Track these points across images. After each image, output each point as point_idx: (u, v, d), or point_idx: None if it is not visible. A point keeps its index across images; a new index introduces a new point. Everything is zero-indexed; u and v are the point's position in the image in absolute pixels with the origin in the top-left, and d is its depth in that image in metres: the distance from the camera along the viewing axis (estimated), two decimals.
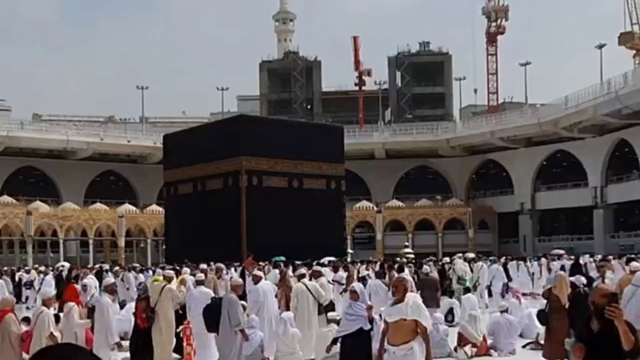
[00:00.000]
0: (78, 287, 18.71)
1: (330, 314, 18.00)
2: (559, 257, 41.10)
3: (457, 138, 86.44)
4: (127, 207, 79.78)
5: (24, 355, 12.51)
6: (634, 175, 72.34)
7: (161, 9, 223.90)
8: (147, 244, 79.54)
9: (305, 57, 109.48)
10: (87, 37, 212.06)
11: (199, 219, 53.48)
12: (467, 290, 24.49)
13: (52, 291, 17.98)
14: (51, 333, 12.96)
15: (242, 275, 28.18)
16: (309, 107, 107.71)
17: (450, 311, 23.71)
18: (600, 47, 79.49)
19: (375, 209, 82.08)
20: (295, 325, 16.09)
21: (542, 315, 15.07)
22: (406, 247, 62.47)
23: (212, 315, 14.64)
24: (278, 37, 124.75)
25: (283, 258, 38.67)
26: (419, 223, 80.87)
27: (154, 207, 79.10)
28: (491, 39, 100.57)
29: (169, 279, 18.48)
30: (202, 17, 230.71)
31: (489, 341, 18.34)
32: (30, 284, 36.54)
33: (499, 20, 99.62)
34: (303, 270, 21.14)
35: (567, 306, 14.19)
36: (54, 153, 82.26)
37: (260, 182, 53.13)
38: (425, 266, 31.04)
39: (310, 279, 18.90)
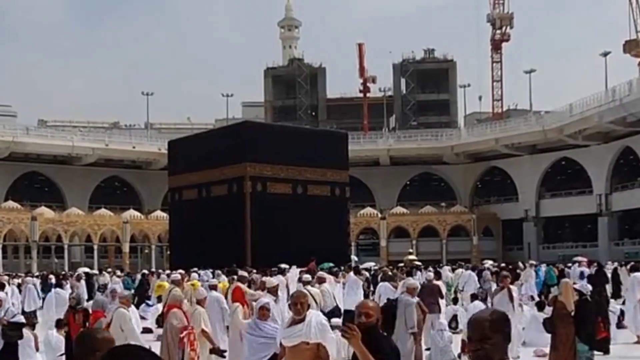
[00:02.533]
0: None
1: (334, 320, 17.97)
2: (579, 263, 41.21)
3: (462, 145, 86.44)
4: (131, 212, 79.88)
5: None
6: (639, 182, 72.31)
7: (167, 15, 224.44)
8: (152, 250, 79.57)
9: (310, 63, 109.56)
10: (92, 43, 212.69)
11: (204, 224, 53.38)
12: (474, 297, 24.52)
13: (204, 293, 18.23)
14: (202, 329, 13.92)
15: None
16: (313, 113, 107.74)
17: (454, 318, 23.76)
18: (605, 54, 79.48)
19: (380, 215, 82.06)
20: None
21: (548, 323, 15.08)
22: (410, 253, 62.49)
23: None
24: (283, 43, 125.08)
25: (331, 264, 38.88)
26: (423, 230, 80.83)
27: (159, 212, 79.17)
28: (496, 46, 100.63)
29: (177, 283, 18.63)
30: (208, 23, 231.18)
31: None
32: (104, 287, 36.64)
33: (503, 28, 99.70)
34: (307, 276, 21.24)
35: (573, 313, 14.21)
36: (58, 158, 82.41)
37: (264, 188, 53.05)
38: (428, 272, 31.07)
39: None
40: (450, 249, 79.23)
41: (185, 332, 17.85)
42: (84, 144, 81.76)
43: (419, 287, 17.33)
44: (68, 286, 31.44)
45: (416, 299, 14.65)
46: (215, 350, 14.49)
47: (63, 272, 47.28)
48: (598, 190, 76.18)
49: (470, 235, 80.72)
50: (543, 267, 42.30)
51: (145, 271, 46.60)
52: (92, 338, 4.86)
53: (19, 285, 31.85)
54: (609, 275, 36.70)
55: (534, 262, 43.81)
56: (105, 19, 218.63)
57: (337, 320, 18.67)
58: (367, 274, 36.73)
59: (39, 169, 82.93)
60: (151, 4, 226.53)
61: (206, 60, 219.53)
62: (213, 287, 18.78)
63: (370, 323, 6.50)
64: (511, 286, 17.11)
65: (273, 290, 15.58)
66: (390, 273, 31.45)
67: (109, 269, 52.17)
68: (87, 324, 15.27)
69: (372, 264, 53.93)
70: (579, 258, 45.23)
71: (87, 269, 51.67)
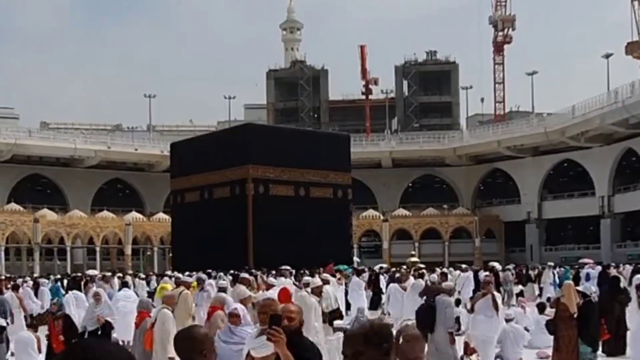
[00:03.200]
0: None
1: (337, 323, 17.99)
2: (584, 265, 41.30)
3: (464, 147, 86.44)
4: (134, 215, 79.90)
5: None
6: None
7: (168, 18, 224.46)
8: (154, 252, 79.60)
9: (312, 65, 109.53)
10: (94, 45, 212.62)
11: (206, 226, 53.42)
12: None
13: (247, 292, 18.36)
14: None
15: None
16: (315, 115, 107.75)
17: (457, 320, 23.74)
18: (607, 56, 79.53)
19: (382, 217, 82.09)
20: None
21: (550, 325, 15.09)
22: (412, 255, 62.42)
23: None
24: (285, 46, 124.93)
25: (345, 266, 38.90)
26: (426, 232, 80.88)
27: (161, 215, 79.20)
28: (498, 48, 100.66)
29: (187, 286, 18.74)
30: (209, 26, 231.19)
31: (496, 350, 18.35)
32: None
33: (505, 30, 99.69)
34: (309, 278, 21.25)
35: (575, 315, 14.22)
36: (61, 161, 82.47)
37: (267, 190, 53.09)
38: (433, 275, 31.16)
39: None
40: (452, 251, 79.23)
41: None
42: (86, 146, 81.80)
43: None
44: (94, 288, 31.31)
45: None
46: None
47: (81, 274, 47.13)
48: (600, 192, 76.16)
49: (472, 237, 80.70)
50: (556, 269, 42.29)
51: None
52: (193, 337, 4.92)
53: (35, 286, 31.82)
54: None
55: (552, 264, 43.71)
56: (107, 22, 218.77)
57: (339, 322, 18.72)
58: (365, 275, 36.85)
59: (41, 171, 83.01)
60: (153, 7, 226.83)
61: (208, 62, 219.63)
62: (222, 290, 18.80)
63: (293, 326, 6.47)
64: (495, 292, 16.76)
65: (317, 291, 15.66)
66: (398, 274, 31.57)
67: (130, 272, 51.98)
68: (69, 330, 15.25)
69: (384, 265, 53.70)
70: (585, 260, 45.32)
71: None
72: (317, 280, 17.21)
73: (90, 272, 38.73)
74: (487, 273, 31.93)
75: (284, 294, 16.44)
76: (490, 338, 16.34)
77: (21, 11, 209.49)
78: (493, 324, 16.08)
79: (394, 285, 23.71)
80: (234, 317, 10.12)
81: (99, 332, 15.72)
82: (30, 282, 34.56)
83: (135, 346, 13.63)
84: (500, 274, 35.40)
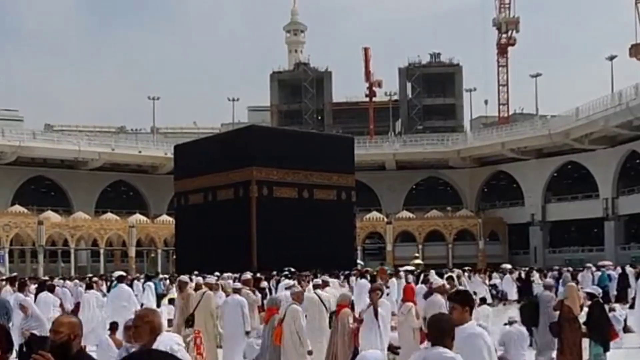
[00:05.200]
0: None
1: None
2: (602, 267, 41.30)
3: (468, 149, 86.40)
4: (137, 217, 79.95)
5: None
6: None
7: (172, 21, 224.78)
8: (158, 254, 79.57)
9: (315, 68, 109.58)
10: (98, 47, 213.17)
11: (210, 229, 53.43)
12: (482, 300, 24.57)
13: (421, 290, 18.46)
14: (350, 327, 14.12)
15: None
16: (319, 117, 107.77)
17: None
18: (611, 58, 79.41)
19: (386, 219, 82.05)
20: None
21: (554, 327, 15.09)
22: (416, 258, 62.49)
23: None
24: (289, 48, 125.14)
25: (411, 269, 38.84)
26: (429, 234, 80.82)
27: (165, 217, 79.22)
28: (502, 50, 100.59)
29: (209, 287, 18.83)
30: (213, 28, 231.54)
31: (499, 352, 18.33)
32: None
33: (509, 32, 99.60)
34: (318, 280, 21.36)
35: (579, 317, 14.23)
36: (65, 163, 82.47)
37: (270, 192, 53.11)
38: (436, 277, 31.11)
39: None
40: (456, 253, 79.13)
41: (191, 336, 17.95)
42: (90, 148, 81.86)
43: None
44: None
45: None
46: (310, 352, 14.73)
47: (101, 274, 47.15)
48: (604, 195, 76.07)
49: (476, 239, 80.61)
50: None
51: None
52: None
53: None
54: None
55: (590, 265, 43.63)
56: (111, 24, 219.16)
57: None
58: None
59: (45, 173, 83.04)
60: (157, 9, 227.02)
61: (212, 64, 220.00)
62: (237, 291, 18.83)
63: (60, 340, 6.26)
64: (383, 300, 16.23)
65: (299, 297, 15.73)
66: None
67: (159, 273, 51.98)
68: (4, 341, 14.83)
69: (411, 267, 53.39)
70: (605, 262, 45.31)
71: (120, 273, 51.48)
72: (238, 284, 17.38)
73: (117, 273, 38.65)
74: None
75: (409, 291, 16.79)
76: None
77: (25, 14, 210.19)
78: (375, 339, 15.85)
79: (421, 286, 23.92)
80: (130, 332, 9.57)
81: (24, 349, 14.14)
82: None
83: (264, 341, 14.17)
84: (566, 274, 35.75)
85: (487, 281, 40.05)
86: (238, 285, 20.27)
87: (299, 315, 13.98)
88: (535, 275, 39.00)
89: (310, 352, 13.98)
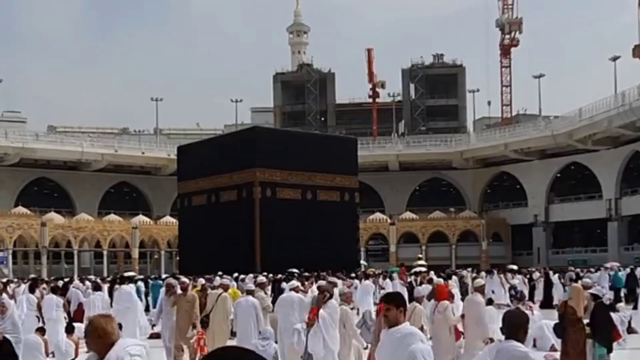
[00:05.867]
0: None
1: None
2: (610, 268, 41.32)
3: (471, 150, 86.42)
4: (140, 218, 79.98)
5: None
6: None
7: (175, 21, 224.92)
8: (161, 255, 79.68)
9: (319, 69, 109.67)
10: (101, 49, 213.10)
11: (213, 230, 53.42)
12: (489, 302, 24.63)
13: (425, 290, 18.57)
14: (422, 326, 14.56)
15: None
16: (322, 119, 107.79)
17: None
18: (615, 59, 79.31)
19: (389, 221, 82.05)
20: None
21: (558, 328, 15.08)
22: (420, 259, 62.38)
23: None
24: (292, 49, 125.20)
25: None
26: (433, 235, 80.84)
27: (168, 218, 79.28)
28: (505, 51, 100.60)
29: (225, 288, 18.88)
30: (216, 29, 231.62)
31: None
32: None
33: (512, 33, 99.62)
34: (323, 282, 21.35)
35: (582, 318, 14.21)
36: (68, 164, 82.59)
37: (274, 193, 53.08)
38: (439, 279, 31.11)
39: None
40: (459, 254, 79.21)
41: (195, 338, 17.97)
42: (94, 149, 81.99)
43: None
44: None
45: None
46: None
47: (123, 275, 47.11)
48: (608, 195, 76.04)
49: (479, 240, 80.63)
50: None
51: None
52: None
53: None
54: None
55: (607, 265, 43.55)
56: (115, 26, 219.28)
57: None
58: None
59: (48, 174, 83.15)
60: (160, 10, 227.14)
61: (215, 65, 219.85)
62: (250, 292, 18.85)
63: None
64: (332, 301, 16.39)
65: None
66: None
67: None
68: None
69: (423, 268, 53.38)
70: (613, 263, 45.30)
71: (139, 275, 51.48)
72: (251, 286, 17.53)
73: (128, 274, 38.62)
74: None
75: (443, 290, 16.99)
76: None
77: (28, 15, 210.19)
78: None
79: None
80: None
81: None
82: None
83: (308, 343, 14.21)
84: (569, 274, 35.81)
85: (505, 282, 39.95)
86: (252, 287, 20.29)
87: (349, 316, 14.26)
88: (554, 277, 38.87)
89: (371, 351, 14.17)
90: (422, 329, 14.40)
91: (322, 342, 14.53)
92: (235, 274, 32.02)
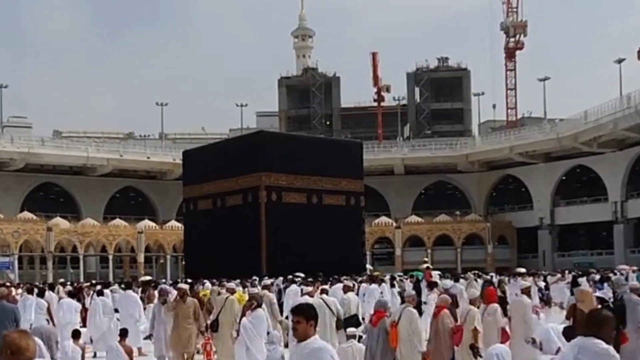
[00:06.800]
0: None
1: (350, 330, 17.97)
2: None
3: (476, 153, 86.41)
4: (146, 223, 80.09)
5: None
6: None
7: (180, 27, 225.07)
8: (167, 260, 79.71)
9: (324, 73, 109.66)
10: (106, 54, 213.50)
11: (219, 234, 53.38)
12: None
13: (477, 292, 18.73)
14: (475, 328, 14.69)
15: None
16: (327, 123, 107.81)
17: None
18: (620, 61, 79.21)
19: (395, 224, 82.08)
20: None
21: (568, 332, 15.07)
22: (425, 262, 62.30)
23: None
24: (297, 53, 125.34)
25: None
26: (438, 238, 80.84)
27: (173, 223, 79.32)
28: (510, 54, 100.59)
29: (231, 292, 18.92)
30: (221, 33, 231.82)
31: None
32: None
33: (517, 36, 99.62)
34: (326, 286, 21.40)
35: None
36: (74, 169, 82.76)
37: (279, 198, 52.98)
38: (445, 281, 31.07)
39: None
40: (464, 257, 79.18)
41: (202, 343, 17.99)
42: (99, 154, 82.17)
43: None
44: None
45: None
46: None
47: (131, 280, 47.11)
48: (613, 198, 75.95)
49: (485, 243, 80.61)
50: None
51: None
52: None
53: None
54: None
55: (625, 267, 43.39)
56: (120, 31, 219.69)
57: (353, 330, 18.70)
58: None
59: (54, 179, 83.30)
60: (165, 15, 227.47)
61: (220, 70, 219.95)
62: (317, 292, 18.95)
63: None
64: (260, 310, 16.28)
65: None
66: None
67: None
68: None
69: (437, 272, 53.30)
70: (624, 266, 45.17)
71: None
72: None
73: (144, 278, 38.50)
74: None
75: (492, 293, 17.19)
76: None
77: (33, 20, 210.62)
78: None
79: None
80: None
81: None
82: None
83: (371, 344, 14.27)
84: (613, 277, 35.59)
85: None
86: (257, 290, 20.36)
87: (414, 318, 14.32)
88: (583, 280, 38.63)
89: (424, 354, 14.18)
90: (475, 330, 14.78)
91: (245, 352, 14.53)
92: (255, 277, 32.07)
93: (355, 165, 57.88)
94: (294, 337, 7.43)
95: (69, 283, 44.37)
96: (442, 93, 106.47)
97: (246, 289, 22.55)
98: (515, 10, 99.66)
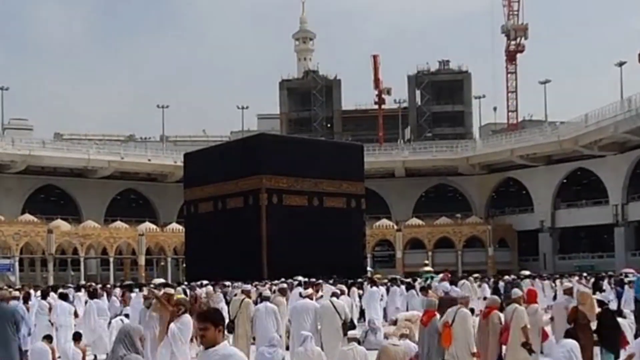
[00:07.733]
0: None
1: (350, 332, 17.98)
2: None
3: (477, 156, 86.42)
4: (147, 225, 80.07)
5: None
6: None
7: (181, 29, 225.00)
8: (168, 262, 79.68)
9: (325, 75, 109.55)
10: (107, 56, 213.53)
11: (219, 237, 53.41)
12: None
13: (520, 292, 18.76)
14: (524, 325, 14.87)
15: None
16: (328, 125, 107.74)
17: None
18: (620, 65, 79.26)
19: (395, 227, 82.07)
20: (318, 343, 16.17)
21: (570, 333, 15.11)
22: (426, 265, 62.27)
23: None
24: (298, 56, 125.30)
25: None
26: (439, 241, 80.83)
27: (174, 225, 79.27)
28: (510, 57, 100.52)
29: (247, 294, 19.10)
30: (222, 36, 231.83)
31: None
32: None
33: (518, 39, 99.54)
34: (334, 288, 21.51)
35: (590, 323, 14.26)
36: (75, 172, 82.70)
37: (280, 200, 53.06)
38: (445, 284, 31.06)
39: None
40: (465, 260, 79.18)
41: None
42: (100, 157, 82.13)
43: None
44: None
45: None
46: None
47: (133, 282, 47.07)
48: (614, 201, 75.91)
49: (485, 246, 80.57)
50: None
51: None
52: None
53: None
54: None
55: (631, 271, 43.33)
56: (120, 33, 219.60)
57: (354, 332, 18.73)
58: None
59: (55, 182, 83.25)
60: (166, 17, 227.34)
61: (221, 72, 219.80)
62: (266, 299, 18.94)
63: None
64: (186, 316, 15.82)
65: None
66: None
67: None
68: None
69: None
70: (629, 269, 45.12)
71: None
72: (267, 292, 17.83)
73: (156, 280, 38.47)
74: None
75: (533, 295, 17.63)
76: None
77: (34, 23, 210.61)
78: None
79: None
80: None
81: None
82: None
83: (426, 343, 14.57)
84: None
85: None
86: (268, 293, 20.54)
87: (467, 319, 14.46)
88: (604, 282, 38.55)
89: (474, 354, 14.25)
90: (525, 328, 14.95)
91: (170, 356, 14.50)
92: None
93: (356, 167, 57.95)
94: (201, 343, 7.15)
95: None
96: (443, 96, 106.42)
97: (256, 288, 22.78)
98: (516, 13, 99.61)
